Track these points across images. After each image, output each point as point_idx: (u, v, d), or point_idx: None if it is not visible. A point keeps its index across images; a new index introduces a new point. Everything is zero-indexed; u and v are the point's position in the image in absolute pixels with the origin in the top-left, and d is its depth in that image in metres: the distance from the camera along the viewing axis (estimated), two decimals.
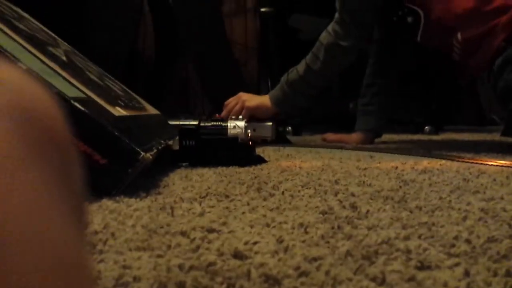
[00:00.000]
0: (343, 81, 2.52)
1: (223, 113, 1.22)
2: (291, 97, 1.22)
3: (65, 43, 0.86)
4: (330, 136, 1.38)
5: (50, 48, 0.68)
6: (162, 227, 0.39)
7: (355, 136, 1.34)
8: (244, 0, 2.82)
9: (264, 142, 1.26)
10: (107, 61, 1.08)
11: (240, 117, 0.84)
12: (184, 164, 0.82)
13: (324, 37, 1.20)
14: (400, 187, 0.59)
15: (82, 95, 0.55)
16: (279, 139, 1.33)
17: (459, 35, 1.03)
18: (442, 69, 2.10)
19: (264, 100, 1.25)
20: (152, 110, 0.94)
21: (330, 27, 1.19)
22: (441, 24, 1.07)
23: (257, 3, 2.67)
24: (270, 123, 1.24)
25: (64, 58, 0.70)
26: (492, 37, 0.98)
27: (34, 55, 0.56)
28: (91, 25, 1.42)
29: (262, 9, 2.31)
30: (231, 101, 1.24)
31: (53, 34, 0.84)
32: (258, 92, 2.39)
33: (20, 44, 0.56)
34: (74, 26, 1.39)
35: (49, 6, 1.38)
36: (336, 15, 1.18)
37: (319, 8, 2.08)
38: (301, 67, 1.22)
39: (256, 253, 0.33)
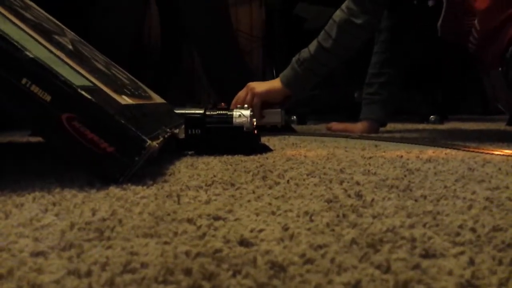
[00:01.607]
0: (348, 70, 2.51)
1: (234, 105, 1.21)
2: (302, 76, 1.21)
3: (71, 32, 0.86)
4: (335, 125, 1.37)
5: (57, 37, 0.68)
6: (168, 215, 0.39)
7: (360, 125, 1.33)
8: None
9: (275, 128, 1.26)
10: (113, 50, 1.09)
11: (246, 106, 0.84)
12: (190, 152, 0.82)
13: (337, 14, 1.17)
14: (405, 176, 0.59)
15: (89, 84, 0.55)
16: (285, 128, 1.34)
17: (477, 24, 1.01)
18: (448, 59, 2.08)
19: (273, 83, 1.24)
20: (158, 99, 0.94)
21: (344, 5, 1.17)
22: (463, 10, 1.05)
23: None
24: (279, 109, 1.24)
25: (70, 46, 0.70)
26: (509, 26, 0.96)
27: (41, 44, 0.56)
28: (97, 13, 1.42)
29: None
30: (240, 94, 1.23)
31: (59, 23, 0.85)
32: (263, 80, 2.39)
33: (27, 33, 0.56)
34: (81, 15, 1.39)
35: None
36: None
37: None
38: (312, 46, 1.20)
39: (261, 240, 0.33)
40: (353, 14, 1.14)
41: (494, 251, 0.31)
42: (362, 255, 0.30)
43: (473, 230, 0.36)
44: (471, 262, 0.29)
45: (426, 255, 0.31)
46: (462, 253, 0.31)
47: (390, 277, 0.27)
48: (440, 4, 1.10)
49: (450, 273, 0.28)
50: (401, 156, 0.78)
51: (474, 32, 1.03)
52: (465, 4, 1.04)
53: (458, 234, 0.35)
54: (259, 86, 1.22)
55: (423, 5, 1.23)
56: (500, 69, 1.01)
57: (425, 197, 0.47)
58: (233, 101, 1.22)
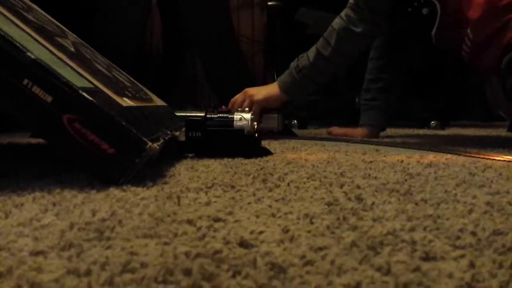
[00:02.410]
0: (349, 75, 2.51)
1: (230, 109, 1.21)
2: (301, 83, 1.19)
3: (73, 34, 0.86)
4: (336, 130, 1.37)
5: (59, 39, 0.69)
6: (168, 216, 0.39)
7: (360, 131, 1.33)
8: None
9: (271, 133, 1.26)
10: (116, 54, 1.09)
11: (246, 109, 0.84)
12: (190, 155, 0.82)
13: (337, 22, 1.16)
14: (406, 180, 0.59)
15: (90, 85, 0.55)
16: (285, 132, 1.34)
17: (469, 32, 1.01)
18: (449, 65, 2.09)
19: (271, 89, 1.23)
20: (159, 102, 0.94)
21: (343, 12, 1.16)
22: (456, 18, 1.04)
23: None
24: (276, 114, 1.23)
25: (72, 49, 0.70)
26: (502, 34, 0.96)
27: (43, 45, 0.57)
28: (100, 19, 1.42)
29: (270, 3, 2.30)
30: (237, 98, 1.22)
31: (61, 25, 0.85)
32: (264, 85, 2.39)
33: (29, 35, 0.57)
34: (84, 19, 1.40)
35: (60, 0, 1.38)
36: (350, 0, 1.15)
37: (327, 3, 2.07)
38: (311, 53, 1.19)
39: (262, 242, 0.33)
40: (353, 22, 1.13)
41: (495, 255, 0.31)
42: (362, 257, 0.30)
43: (473, 233, 0.36)
44: (472, 265, 0.29)
45: (427, 258, 0.31)
46: (462, 256, 0.31)
47: (390, 279, 0.27)
48: (434, 12, 1.10)
49: (450, 276, 0.28)
50: (402, 161, 0.78)
51: (467, 41, 1.03)
52: (458, 12, 1.04)
53: (458, 238, 0.35)
54: (258, 93, 1.21)
55: (418, 12, 1.23)
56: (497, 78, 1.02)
57: (425, 201, 0.47)
58: (229, 105, 1.21)
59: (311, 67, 1.18)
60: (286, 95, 1.21)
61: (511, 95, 0.98)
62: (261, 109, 1.21)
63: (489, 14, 0.98)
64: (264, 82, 2.45)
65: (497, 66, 0.99)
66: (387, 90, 1.34)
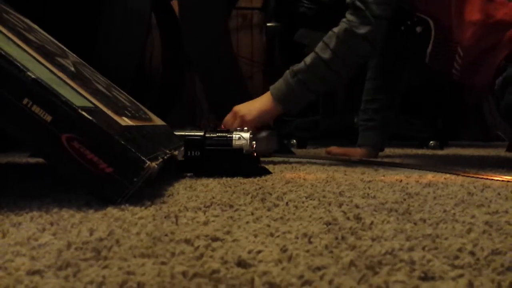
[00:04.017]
0: (347, 95, 2.53)
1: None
2: (295, 90, 1.09)
3: (73, 54, 0.87)
4: (335, 149, 1.38)
5: (59, 59, 0.69)
6: (166, 235, 0.39)
7: (359, 151, 1.34)
8: (251, 15, 2.85)
9: (264, 157, 1.16)
10: (116, 74, 1.10)
11: (245, 128, 0.84)
12: (189, 174, 0.82)
13: (337, 28, 1.09)
14: (405, 199, 0.59)
15: (90, 105, 0.55)
16: (284, 151, 1.34)
17: (460, 50, 1.01)
18: (448, 84, 2.10)
19: (262, 102, 1.12)
20: (158, 121, 0.94)
21: (344, 19, 1.09)
22: (446, 36, 1.04)
23: (264, 18, 2.70)
24: (265, 134, 1.13)
25: (72, 68, 0.71)
26: (493, 55, 0.96)
27: (43, 65, 0.57)
28: (100, 39, 1.44)
29: (269, 24, 2.33)
30: (228, 120, 1.12)
31: (62, 45, 0.86)
32: None
33: (30, 54, 0.57)
34: (85, 40, 1.41)
35: (61, 21, 1.40)
36: (351, 5, 1.08)
37: (325, 24, 2.10)
38: (308, 57, 1.10)
39: (259, 261, 0.33)
40: (354, 25, 1.06)
41: (493, 275, 0.31)
42: (360, 277, 0.30)
43: (472, 253, 0.35)
44: (470, 285, 0.29)
45: (425, 277, 0.31)
46: (461, 276, 0.31)
47: None
48: (428, 29, 1.09)
49: None
50: (401, 180, 0.78)
51: (458, 59, 1.02)
52: (449, 30, 1.02)
53: (457, 257, 0.35)
54: (249, 113, 1.10)
55: (412, 30, 1.23)
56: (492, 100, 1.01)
57: (424, 221, 0.47)
58: (222, 126, 1.13)
59: (306, 70, 1.09)
60: (279, 105, 1.10)
61: (505, 116, 0.98)
62: (256, 129, 1.11)
63: (479, 33, 0.97)
64: None
65: (490, 87, 0.99)
66: (384, 110, 1.34)
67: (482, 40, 0.97)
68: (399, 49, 1.34)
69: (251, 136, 0.83)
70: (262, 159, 0.86)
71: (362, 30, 1.05)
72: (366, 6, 1.05)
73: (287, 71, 1.12)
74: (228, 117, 1.13)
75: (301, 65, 1.10)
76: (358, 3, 1.06)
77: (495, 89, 0.97)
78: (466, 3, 0.99)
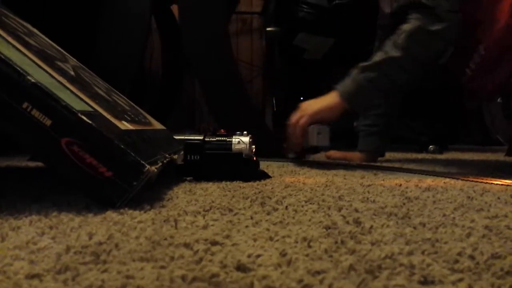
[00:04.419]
0: None
1: (289, 127, 1.10)
2: (363, 87, 1.06)
3: (73, 58, 0.87)
4: (335, 153, 1.37)
5: (59, 63, 0.69)
6: (165, 239, 0.39)
7: (358, 155, 1.34)
8: (251, 19, 2.86)
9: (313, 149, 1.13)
10: (116, 76, 1.10)
11: (245, 132, 0.84)
12: (188, 178, 0.82)
13: (407, 25, 1.04)
14: (404, 204, 0.59)
15: (89, 109, 0.55)
16: (283, 155, 1.33)
17: (481, 48, 1.00)
18: (447, 89, 2.10)
19: (327, 100, 1.08)
20: (158, 125, 0.94)
21: (412, 16, 1.05)
22: (471, 34, 1.01)
23: (263, 23, 2.71)
24: (327, 127, 1.09)
25: (72, 72, 0.71)
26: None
27: (43, 69, 0.57)
28: (100, 41, 1.44)
29: (268, 29, 2.33)
30: (292, 115, 1.10)
31: (61, 50, 0.86)
32: (262, 109, 2.40)
33: (30, 59, 0.57)
34: (85, 42, 1.41)
35: (60, 23, 1.40)
36: (414, 8, 1.05)
37: (325, 28, 2.10)
38: (376, 55, 1.06)
39: (259, 265, 0.33)
40: (427, 22, 1.02)
41: (493, 279, 0.31)
42: (360, 281, 0.30)
43: (472, 257, 0.35)
44: None
45: (425, 281, 0.30)
46: (460, 280, 0.31)
47: None
48: None
49: None
50: (400, 185, 0.78)
51: (476, 57, 1.01)
52: (476, 28, 1.00)
53: (456, 261, 0.35)
54: (310, 107, 1.08)
55: None
56: (499, 99, 1.01)
57: (424, 225, 0.47)
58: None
59: (375, 68, 1.05)
60: (345, 102, 1.06)
61: None
62: (311, 123, 1.09)
63: (507, 32, 0.95)
64: (262, 105, 2.47)
65: (504, 86, 0.98)
66: (386, 115, 1.34)
67: (507, 39, 0.96)
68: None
69: (250, 140, 0.83)
70: (261, 164, 0.86)
71: (436, 26, 1.02)
72: (436, 3, 1.02)
73: (355, 69, 1.09)
74: (293, 114, 1.10)
75: (369, 62, 1.07)
76: (426, 0, 1.03)
77: (509, 89, 0.95)
78: (499, 2, 0.97)
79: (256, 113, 1.69)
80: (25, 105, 0.49)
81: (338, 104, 1.07)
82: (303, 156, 1.28)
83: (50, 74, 0.57)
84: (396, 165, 1.25)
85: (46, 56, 0.67)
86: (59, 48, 0.86)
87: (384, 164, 1.25)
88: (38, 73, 0.53)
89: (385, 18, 1.27)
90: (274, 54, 2.41)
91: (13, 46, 0.57)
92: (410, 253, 0.37)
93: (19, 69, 0.49)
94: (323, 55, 2.13)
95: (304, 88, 2.28)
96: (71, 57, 0.86)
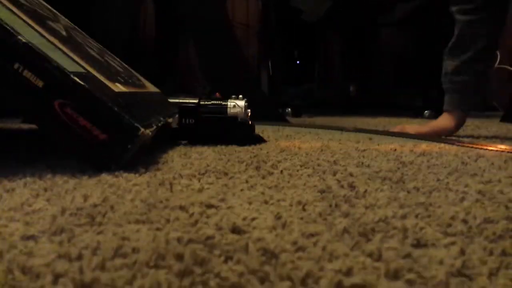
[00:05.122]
0: (344, 64, 2.51)
1: None
2: (458, 88, 1.14)
3: (65, 18, 0.85)
4: (407, 127, 1.19)
5: (50, 23, 0.68)
6: (161, 202, 0.39)
7: (448, 120, 1.18)
8: None
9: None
10: (109, 39, 1.08)
11: (241, 96, 0.83)
12: (183, 142, 0.82)
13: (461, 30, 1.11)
14: (398, 168, 0.59)
15: (82, 70, 0.55)
16: (278, 119, 1.33)
17: None
18: (442, 53, 2.08)
19: (438, 123, 1.16)
20: (152, 88, 0.93)
21: (463, 27, 1.10)
22: None
23: None
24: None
25: (64, 33, 0.69)
26: None
27: (34, 29, 0.56)
28: (94, 3, 1.41)
29: None
30: None
31: (53, 9, 0.84)
32: (258, 73, 2.38)
33: (21, 18, 0.56)
34: (78, 4, 1.38)
35: None
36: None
37: None
38: (449, 66, 1.14)
39: (254, 228, 0.33)
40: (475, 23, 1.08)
41: (485, 242, 0.31)
42: (353, 243, 0.30)
43: (464, 221, 0.36)
44: (462, 252, 0.29)
45: (418, 244, 0.31)
46: (453, 243, 0.31)
47: (382, 265, 0.27)
48: None
49: (441, 262, 0.28)
50: (395, 150, 0.78)
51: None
52: None
53: (449, 225, 0.35)
54: (421, 128, 1.16)
55: None
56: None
57: (417, 189, 0.47)
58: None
59: (455, 74, 1.14)
60: (459, 111, 1.16)
61: None
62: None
63: None
64: (258, 67, 2.44)
65: None
66: (485, 74, 1.18)
67: None
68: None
69: (246, 104, 0.82)
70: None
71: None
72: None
73: (445, 86, 1.16)
74: None
75: (447, 76, 1.14)
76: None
77: None
78: None
79: (251, 75, 1.67)
80: (16, 65, 0.48)
81: (450, 119, 1.15)
82: None
83: (41, 34, 0.56)
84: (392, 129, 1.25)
85: (37, 15, 0.65)
86: (51, 8, 0.84)
87: (379, 129, 1.25)
88: (29, 33, 0.52)
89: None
90: (270, 16, 2.37)
91: (3, 5, 0.55)
92: (404, 216, 0.37)
93: (9, 28, 0.48)
94: (320, 18, 2.10)
95: (300, 51, 2.25)
96: (62, 17, 0.84)
